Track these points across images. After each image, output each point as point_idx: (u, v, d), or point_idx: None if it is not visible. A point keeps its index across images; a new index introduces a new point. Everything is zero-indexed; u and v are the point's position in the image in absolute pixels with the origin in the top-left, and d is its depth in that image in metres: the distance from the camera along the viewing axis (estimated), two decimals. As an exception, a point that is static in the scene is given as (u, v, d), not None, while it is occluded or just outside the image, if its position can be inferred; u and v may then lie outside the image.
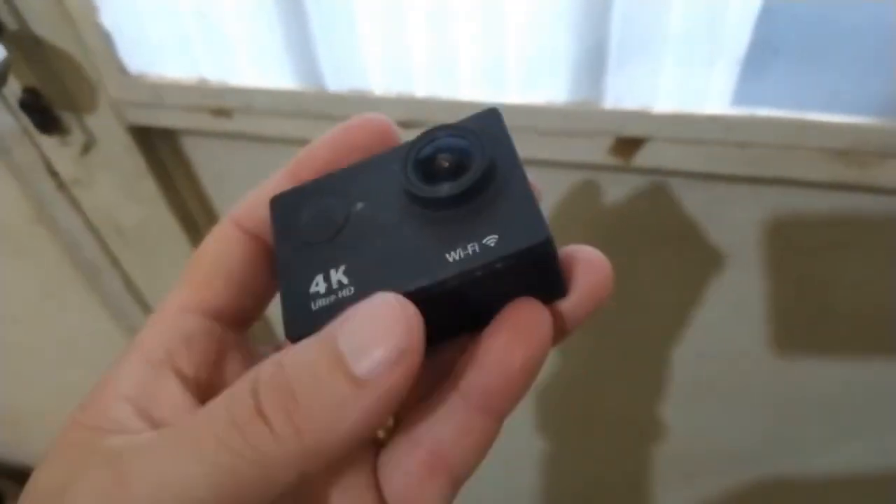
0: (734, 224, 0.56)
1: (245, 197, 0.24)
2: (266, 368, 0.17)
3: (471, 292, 0.20)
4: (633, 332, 0.69)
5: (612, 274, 0.21)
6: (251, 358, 0.24)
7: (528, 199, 0.20)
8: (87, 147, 0.67)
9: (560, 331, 0.21)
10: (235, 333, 0.24)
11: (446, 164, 0.21)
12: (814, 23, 0.43)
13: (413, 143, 0.22)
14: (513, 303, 0.20)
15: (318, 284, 0.21)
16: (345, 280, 0.20)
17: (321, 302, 0.20)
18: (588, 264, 0.21)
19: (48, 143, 0.68)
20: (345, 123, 0.23)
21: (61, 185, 0.72)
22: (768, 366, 0.66)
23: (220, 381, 0.22)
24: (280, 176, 0.24)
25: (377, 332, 0.17)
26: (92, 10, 0.56)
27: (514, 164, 0.21)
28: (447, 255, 0.19)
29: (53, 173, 0.71)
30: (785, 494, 0.79)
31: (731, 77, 0.45)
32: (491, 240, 0.19)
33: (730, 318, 0.64)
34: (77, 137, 0.66)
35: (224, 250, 0.23)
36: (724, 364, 0.68)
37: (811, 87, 0.45)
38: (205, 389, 0.21)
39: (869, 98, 0.45)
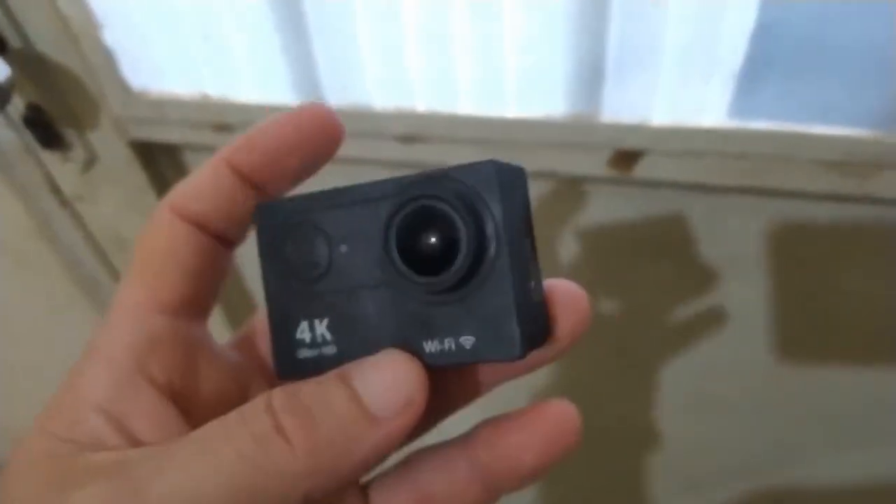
0: (734, 235, 0.57)
1: (181, 183, 0.23)
2: (278, 395, 0.19)
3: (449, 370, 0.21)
4: (633, 343, 0.69)
5: (590, 307, 0.22)
6: (217, 355, 0.24)
7: (508, 302, 0.19)
8: (90, 163, 0.68)
9: (538, 364, 0.23)
10: (197, 328, 0.23)
11: (430, 247, 0.19)
12: (807, 38, 0.44)
13: (399, 198, 0.20)
14: (546, 403, 0.21)
15: (304, 332, 0.21)
16: (328, 336, 0.21)
17: (305, 353, 0.21)
18: (567, 306, 0.21)
19: (51, 159, 0.69)
20: (287, 113, 0.23)
21: (64, 201, 0.73)
22: (768, 376, 0.66)
23: (194, 384, 0.22)
24: (216, 163, 0.23)
25: (391, 380, 0.19)
26: (94, 28, 0.56)
27: (506, 241, 0.19)
28: (424, 344, 0.20)
29: (56, 189, 0.72)
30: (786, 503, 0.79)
31: (727, 90, 0.46)
32: (467, 341, 0.19)
33: (730, 328, 0.64)
34: (79, 153, 0.67)
35: (173, 242, 0.22)
36: (724, 375, 0.68)
37: (806, 100, 0.46)
38: (179, 394, 0.21)
39: (863, 111, 0.46)
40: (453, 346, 0.19)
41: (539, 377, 0.19)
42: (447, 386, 0.24)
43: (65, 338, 0.91)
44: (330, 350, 0.21)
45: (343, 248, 0.21)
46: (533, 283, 0.20)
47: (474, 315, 0.19)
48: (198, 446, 0.18)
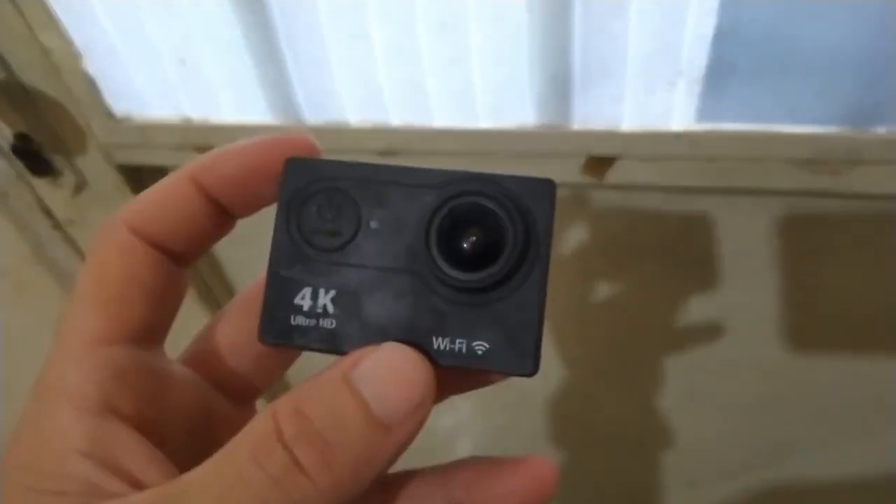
0: (717, 234, 0.57)
1: (137, 200, 0.21)
2: (287, 422, 0.17)
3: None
4: (625, 343, 0.70)
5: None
6: (177, 378, 0.22)
7: (532, 318, 0.19)
8: (79, 188, 0.69)
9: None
10: (158, 353, 0.22)
11: (472, 244, 0.19)
12: (770, 40, 0.44)
13: (449, 189, 0.19)
14: (529, 458, 0.21)
15: (304, 298, 0.20)
16: (330, 309, 0.20)
17: (301, 320, 0.20)
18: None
19: (41, 185, 0.70)
20: (263, 139, 0.21)
21: (56, 226, 0.74)
22: (759, 373, 0.67)
23: (162, 412, 0.21)
24: (179, 179, 0.21)
25: (401, 382, 0.18)
26: (75, 58, 0.57)
27: (541, 255, 0.19)
28: (434, 340, 0.19)
29: (48, 214, 0.73)
30: (785, 500, 0.79)
31: (693, 95, 0.47)
32: (480, 347, 0.19)
33: (720, 328, 0.64)
34: (69, 179, 0.68)
35: (133, 266, 0.20)
36: (716, 372, 0.69)
37: (772, 100, 0.46)
38: (148, 424, 0.20)
39: (829, 108, 0.46)
40: (464, 349, 0.19)
41: (536, 379, 0.19)
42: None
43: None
44: (328, 324, 0.20)
45: (374, 225, 0.20)
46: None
47: (495, 323, 0.19)
48: (217, 496, 0.17)
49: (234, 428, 0.18)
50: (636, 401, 0.75)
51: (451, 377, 0.22)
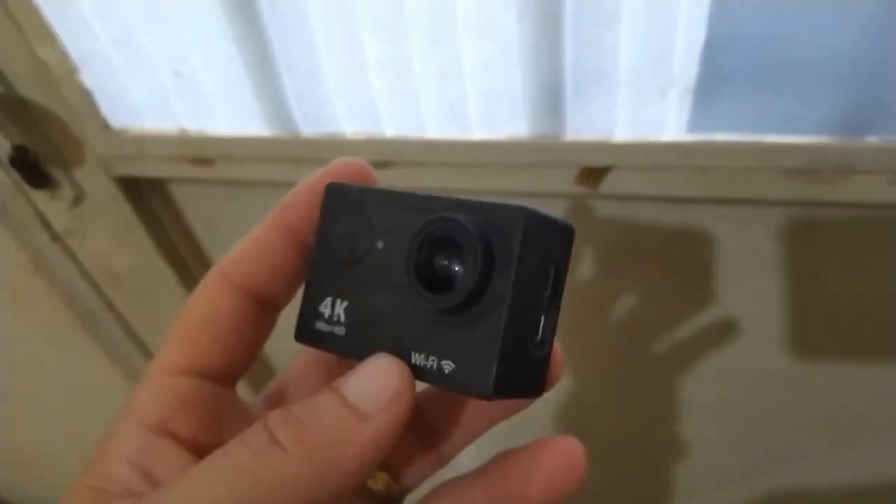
0: (714, 242, 0.57)
1: (233, 249, 0.24)
2: (273, 413, 0.20)
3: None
4: (623, 352, 0.69)
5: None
6: (245, 414, 0.24)
7: (495, 342, 0.19)
8: (78, 199, 0.69)
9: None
10: (227, 389, 0.24)
11: (440, 268, 0.21)
12: (762, 51, 0.45)
13: (429, 215, 0.21)
14: (558, 440, 0.22)
15: (326, 307, 0.23)
16: (342, 317, 0.23)
17: (321, 325, 0.23)
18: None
19: (40, 196, 0.70)
20: (326, 168, 0.24)
21: (55, 237, 0.74)
22: (758, 380, 0.67)
23: (220, 440, 0.22)
24: (267, 224, 0.24)
25: (377, 379, 0.20)
26: (72, 71, 0.58)
27: (508, 279, 0.20)
28: (413, 356, 0.21)
29: (47, 226, 0.73)
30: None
31: (684, 105, 0.47)
32: (447, 366, 0.20)
33: (722, 334, 0.64)
34: (67, 191, 0.68)
35: (212, 307, 0.23)
36: (714, 380, 0.69)
37: (764, 111, 0.47)
38: (205, 450, 0.21)
39: (820, 119, 0.46)
40: (434, 366, 0.20)
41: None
42: (445, 423, 0.25)
43: (64, 366, 0.93)
44: (339, 331, 0.23)
45: (380, 245, 0.22)
46: (539, 338, 0.21)
47: (462, 344, 0.20)
48: (202, 470, 0.19)
49: None
50: (636, 409, 0.75)
51: (449, 419, 0.25)
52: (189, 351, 0.23)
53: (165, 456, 0.21)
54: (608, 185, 0.52)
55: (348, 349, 0.22)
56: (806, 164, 0.47)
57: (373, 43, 0.49)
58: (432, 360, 0.20)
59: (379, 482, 0.25)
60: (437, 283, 0.20)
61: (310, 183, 0.24)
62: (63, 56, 0.57)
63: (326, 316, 0.23)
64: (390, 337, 0.21)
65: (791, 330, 0.62)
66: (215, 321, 0.23)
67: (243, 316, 0.23)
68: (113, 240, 0.72)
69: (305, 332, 0.24)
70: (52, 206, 0.71)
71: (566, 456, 0.21)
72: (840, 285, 0.58)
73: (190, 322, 0.23)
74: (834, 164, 0.47)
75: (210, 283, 0.23)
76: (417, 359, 0.21)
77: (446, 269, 0.21)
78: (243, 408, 0.25)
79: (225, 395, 0.24)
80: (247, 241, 0.24)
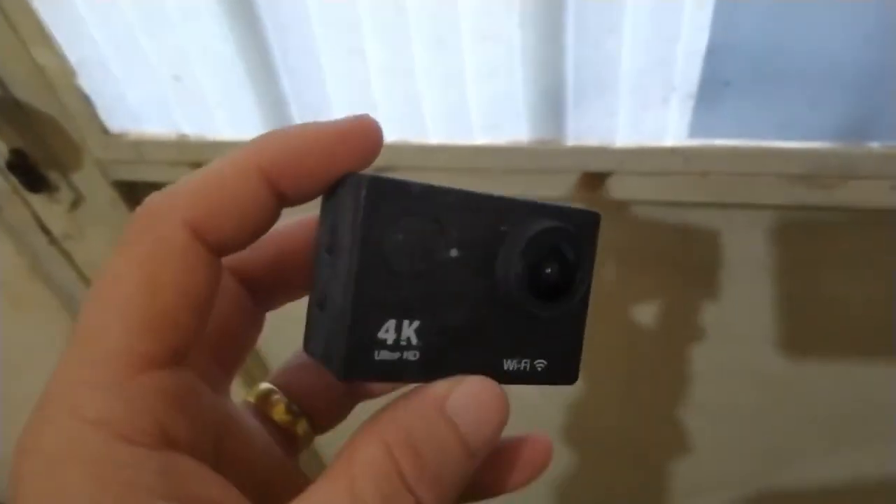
0: (716, 245, 0.57)
1: (194, 190, 0.18)
2: (405, 460, 0.18)
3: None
4: (625, 353, 0.70)
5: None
6: (228, 409, 0.20)
7: (578, 335, 0.22)
8: (76, 203, 0.69)
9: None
10: (220, 395, 0.20)
11: (552, 279, 0.21)
12: (763, 58, 0.44)
13: (531, 227, 0.20)
14: (531, 440, 0.23)
15: (388, 331, 0.19)
16: (414, 340, 0.19)
17: (385, 355, 0.19)
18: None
19: (38, 200, 0.70)
20: (333, 121, 0.19)
21: (53, 241, 0.74)
22: (758, 381, 0.67)
23: (224, 449, 0.19)
24: (246, 170, 0.18)
25: (488, 414, 0.19)
26: (69, 76, 0.57)
27: (586, 281, 0.22)
28: (505, 363, 0.21)
29: (45, 229, 0.73)
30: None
31: (686, 111, 0.47)
32: (540, 364, 0.22)
33: (719, 336, 0.64)
34: (65, 195, 0.68)
35: (187, 276, 0.17)
36: (715, 381, 0.69)
37: (764, 116, 0.47)
38: (213, 460, 0.18)
39: (823, 124, 0.46)
40: (527, 367, 0.21)
41: (536, 388, 0.21)
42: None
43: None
44: (411, 356, 0.19)
45: (454, 253, 0.20)
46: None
47: (551, 342, 0.22)
48: None
49: (287, 474, 0.21)
50: (637, 410, 0.75)
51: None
52: (160, 333, 0.17)
53: (201, 482, 0.17)
54: (610, 190, 0.51)
55: (426, 375, 0.19)
56: (808, 170, 0.47)
57: (374, 47, 0.49)
58: (525, 363, 0.21)
59: (299, 428, 0.24)
60: (538, 293, 0.21)
61: (310, 131, 0.19)
62: (61, 59, 0.57)
63: (391, 342, 0.19)
64: (476, 351, 0.20)
65: (791, 332, 0.62)
66: (190, 294, 0.17)
67: (234, 295, 0.20)
68: (111, 243, 0.72)
69: (360, 367, 0.19)
70: (50, 209, 0.70)
71: (535, 444, 0.23)
72: (840, 289, 0.58)
73: (160, 293, 0.16)
74: (836, 170, 0.47)
75: (172, 239, 0.17)
76: (510, 365, 0.21)
77: (548, 276, 0.21)
78: (223, 404, 0.20)
79: (223, 405, 0.20)
80: (221, 185, 0.17)
